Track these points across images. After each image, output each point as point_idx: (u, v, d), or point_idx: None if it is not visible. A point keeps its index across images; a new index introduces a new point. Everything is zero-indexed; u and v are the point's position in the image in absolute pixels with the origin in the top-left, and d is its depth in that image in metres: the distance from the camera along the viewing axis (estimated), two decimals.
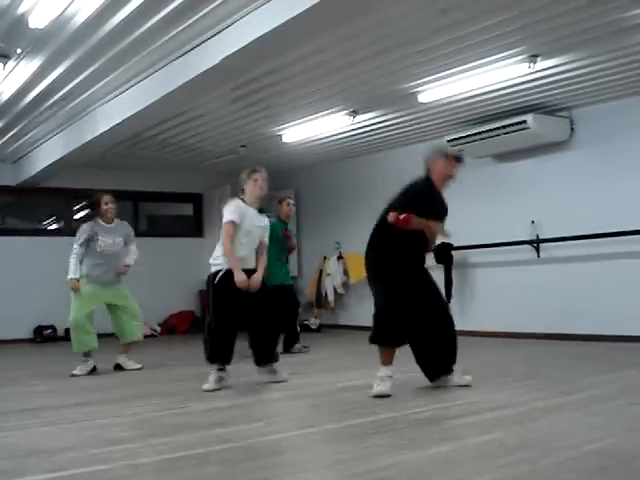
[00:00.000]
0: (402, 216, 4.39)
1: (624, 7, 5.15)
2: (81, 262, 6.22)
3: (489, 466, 2.81)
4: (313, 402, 4.50)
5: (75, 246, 6.23)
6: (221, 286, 5.08)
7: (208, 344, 5.16)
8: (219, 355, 5.13)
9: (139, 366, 6.46)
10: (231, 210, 5.16)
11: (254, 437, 3.52)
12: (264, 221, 5.40)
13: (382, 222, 4.59)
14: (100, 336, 6.35)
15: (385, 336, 4.48)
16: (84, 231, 6.27)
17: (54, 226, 11.86)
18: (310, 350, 7.63)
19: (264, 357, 5.29)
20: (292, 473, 2.92)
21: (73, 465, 3.04)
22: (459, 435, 3.41)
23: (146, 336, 10.47)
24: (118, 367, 6.43)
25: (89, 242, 6.24)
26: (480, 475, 2.71)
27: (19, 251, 10.08)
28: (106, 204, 6.38)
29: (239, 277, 4.99)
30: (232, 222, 5.10)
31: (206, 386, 5.03)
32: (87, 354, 6.22)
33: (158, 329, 10.94)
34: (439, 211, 4.67)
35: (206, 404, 4.50)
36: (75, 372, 6.11)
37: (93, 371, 6.21)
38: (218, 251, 5.19)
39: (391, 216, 4.44)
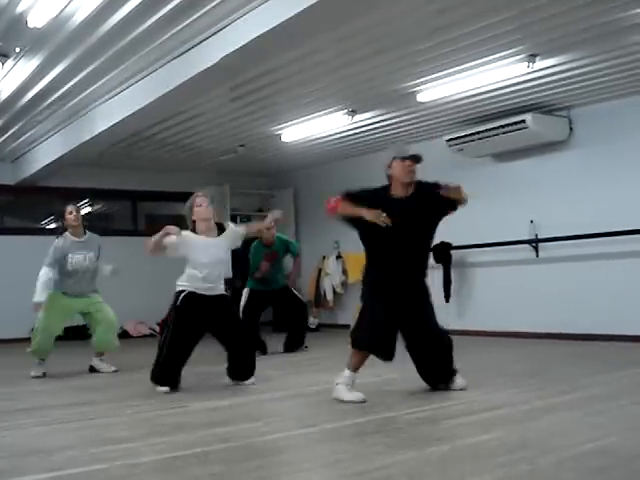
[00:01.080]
0: (332, 200, 4.33)
1: (623, 6, 5.15)
2: (53, 276, 6.09)
3: (488, 465, 2.81)
4: (312, 401, 4.49)
5: (44, 267, 6.07)
6: (182, 308, 5.00)
7: (157, 365, 5.00)
8: (165, 378, 4.97)
9: (114, 369, 6.28)
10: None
11: (253, 436, 3.52)
12: (222, 243, 5.19)
13: None
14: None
15: (372, 343, 4.38)
16: (54, 252, 6.11)
17: (52, 225, 11.84)
18: (309, 350, 7.63)
19: (241, 374, 5.20)
20: (291, 472, 2.92)
21: (72, 464, 3.03)
22: (458, 435, 3.41)
23: (144, 335, 10.57)
24: (92, 369, 6.31)
25: (58, 261, 6.12)
26: (479, 475, 2.71)
27: (17, 250, 10.05)
28: (70, 213, 6.23)
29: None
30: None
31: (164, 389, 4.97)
32: (43, 359, 6.18)
33: (157, 328, 10.92)
34: (390, 213, 4.24)
35: (205, 403, 4.50)
36: (33, 374, 6.08)
37: (44, 376, 6.12)
38: (184, 274, 5.13)
39: (325, 203, 4.41)
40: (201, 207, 5.12)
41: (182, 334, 4.97)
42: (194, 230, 5.16)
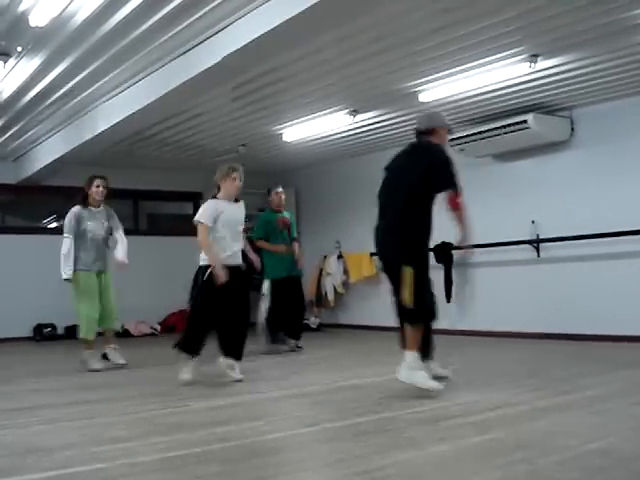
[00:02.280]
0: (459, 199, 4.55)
1: (624, 7, 5.15)
2: (75, 256, 6.23)
3: (488, 466, 2.81)
4: (313, 401, 4.49)
5: (64, 238, 6.23)
6: (209, 282, 5.20)
7: (186, 332, 5.39)
8: (193, 346, 5.33)
9: (124, 361, 6.43)
10: (201, 213, 5.40)
11: (254, 436, 3.52)
12: (241, 211, 5.70)
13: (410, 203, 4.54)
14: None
15: (430, 313, 4.53)
16: (70, 217, 6.28)
17: (54, 224, 11.85)
18: (303, 351, 7.51)
19: (233, 351, 5.36)
20: (292, 472, 2.92)
21: (72, 463, 3.04)
22: (459, 435, 3.41)
23: (146, 335, 10.57)
24: (105, 357, 6.43)
25: (78, 227, 6.26)
26: (479, 475, 2.71)
27: (19, 249, 10.07)
28: (97, 187, 6.42)
29: (217, 271, 5.15)
30: (202, 223, 5.31)
31: (185, 377, 5.22)
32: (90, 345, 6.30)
33: (158, 328, 10.94)
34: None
35: (206, 403, 4.50)
36: (95, 367, 6.21)
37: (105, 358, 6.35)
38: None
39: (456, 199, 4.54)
40: (236, 181, 5.69)
41: (210, 307, 5.26)
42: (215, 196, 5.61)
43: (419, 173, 4.54)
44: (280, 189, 7.91)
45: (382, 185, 4.75)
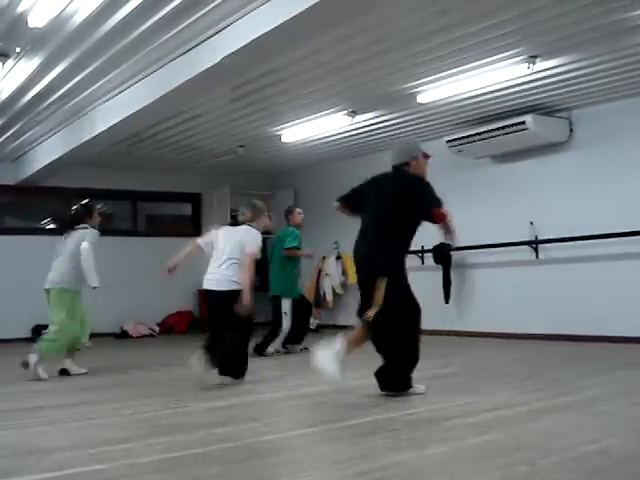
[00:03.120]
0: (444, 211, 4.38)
1: (623, 8, 5.16)
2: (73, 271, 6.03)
3: (487, 466, 2.81)
4: (312, 402, 4.49)
5: (89, 250, 5.98)
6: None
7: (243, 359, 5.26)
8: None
9: (84, 371, 6.09)
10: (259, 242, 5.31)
11: (253, 437, 3.52)
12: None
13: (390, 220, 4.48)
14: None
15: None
16: (96, 238, 6.11)
17: (53, 225, 11.84)
18: (302, 351, 7.50)
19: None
20: (291, 473, 2.92)
21: (71, 464, 3.03)
22: (457, 435, 3.40)
23: (144, 336, 10.57)
24: (64, 372, 6.05)
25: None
26: (479, 475, 2.71)
27: (18, 250, 10.07)
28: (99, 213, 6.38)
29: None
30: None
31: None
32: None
33: (156, 329, 10.93)
34: None
35: (205, 404, 4.50)
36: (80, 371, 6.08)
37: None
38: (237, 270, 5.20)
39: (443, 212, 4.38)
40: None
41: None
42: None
43: (397, 199, 4.49)
44: (300, 209, 7.94)
45: (364, 203, 4.71)
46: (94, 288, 5.97)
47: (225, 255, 5.21)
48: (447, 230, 4.53)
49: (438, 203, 4.40)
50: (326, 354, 4.32)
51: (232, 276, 5.14)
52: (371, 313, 4.36)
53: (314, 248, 7.67)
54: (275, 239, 7.78)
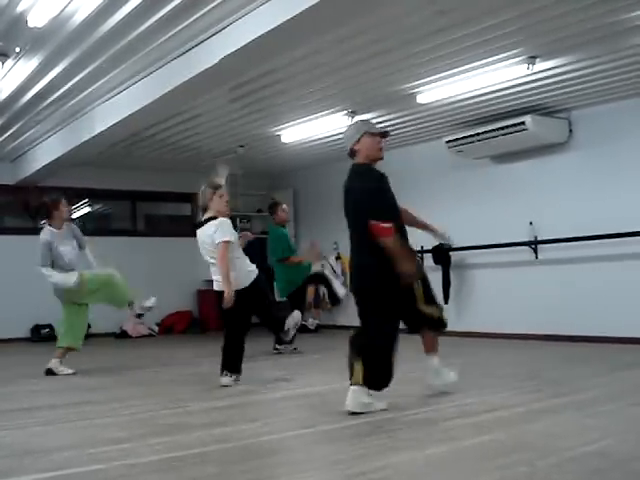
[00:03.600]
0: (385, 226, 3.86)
1: (623, 9, 5.15)
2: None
3: (486, 467, 2.81)
4: (310, 402, 4.49)
5: (42, 268, 6.01)
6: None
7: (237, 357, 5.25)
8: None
9: (72, 371, 6.11)
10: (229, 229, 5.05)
11: (252, 437, 3.52)
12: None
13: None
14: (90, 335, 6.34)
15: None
16: (42, 247, 6.04)
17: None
18: (304, 352, 7.51)
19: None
20: (290, 473, 2.92)
21: (70, 464, 3.04)
22: (456, 436, 3.41)
23: (144, 336, 10.56)
24: (50, 372, 6.08)
25: (52, 258, 6.07)
26: (477, 476, 2.72)
27: (17, 250, 10.04)
28: (66, 206, 6.30)
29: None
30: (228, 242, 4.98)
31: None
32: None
33: (156, 329, 10.93)
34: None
35: (204, 404, 4.50)
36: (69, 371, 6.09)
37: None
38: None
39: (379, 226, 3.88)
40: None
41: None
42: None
43: (354, 204, 4.05)
44: (285, 205, 7.97)
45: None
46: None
47: (210, 260, 5.13)
48: (391, 253, 3.88)
49: (377, 214, 3.81)
50: (450, 376, 4.43)
51: (219, 278, 5.07)
52: (430, 310, 4.24)
53: (314, 240, 7.63)
54: (269, 240, 7.90)
